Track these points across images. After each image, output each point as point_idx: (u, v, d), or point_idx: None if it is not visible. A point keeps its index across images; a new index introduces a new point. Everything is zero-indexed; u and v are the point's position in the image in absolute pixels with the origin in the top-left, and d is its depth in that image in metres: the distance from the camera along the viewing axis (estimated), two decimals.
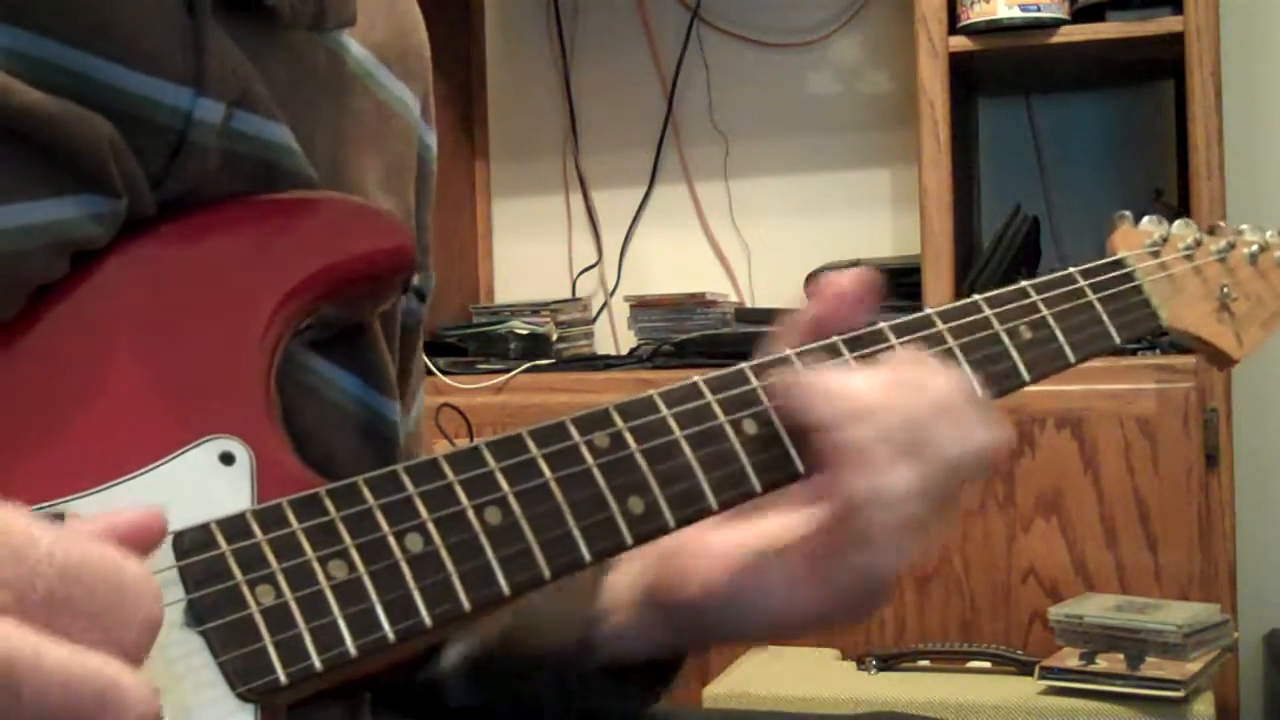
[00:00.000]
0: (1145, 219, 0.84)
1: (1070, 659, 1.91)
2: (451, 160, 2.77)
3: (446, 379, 2.38)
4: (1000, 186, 2.57)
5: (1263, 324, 0.86)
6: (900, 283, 2.39)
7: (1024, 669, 1.96)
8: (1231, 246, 0.86)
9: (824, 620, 0.66)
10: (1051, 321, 0.75)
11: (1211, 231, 0.87)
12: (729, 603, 0.67)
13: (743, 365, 0.66)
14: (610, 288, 2.80)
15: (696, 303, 2.55)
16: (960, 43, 2.23)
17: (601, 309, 2.80)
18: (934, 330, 0.71)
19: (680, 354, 2.39)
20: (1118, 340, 0.77)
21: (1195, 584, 2.05)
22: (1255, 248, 0.87)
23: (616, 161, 2.80)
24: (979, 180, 2.58)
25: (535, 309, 2.62)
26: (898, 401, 0.63)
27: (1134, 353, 2.11)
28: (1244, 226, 0.89)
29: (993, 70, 2.41)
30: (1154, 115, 2.53)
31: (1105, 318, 0.77)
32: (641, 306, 2.60)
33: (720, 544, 0.67)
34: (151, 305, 0.59)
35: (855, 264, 2.49)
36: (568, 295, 2.79)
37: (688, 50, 2.74)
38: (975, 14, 2.20)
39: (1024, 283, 0.75)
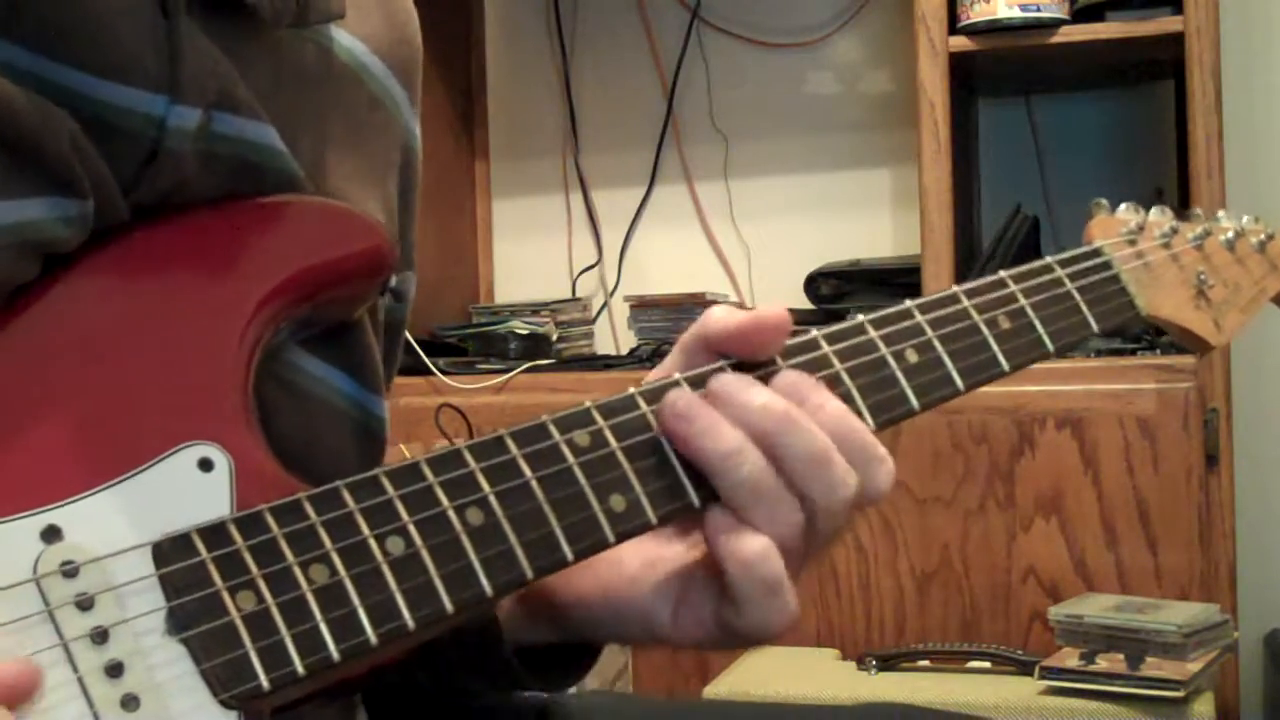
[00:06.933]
0: (1122, 206, 0.83)
1: (1070, 659, 1.90)
2: (451, 160, 2.78)
3: (446, 379, 2.37)
4: (1000, 186, 2.56)
5: (1241, 309, 0.85)
6: (900, 283, 2.39)
7: (1024, 669, 1.96)
8: (1207, 233, 0.86)
9: (709, 642, 0.65)
10: (1030, 311, 0.74)
11: (1187, 219, 0.86)
12: (608, 611, 0.68)
13: (722, 363, 0.66)
14: (610, 288, 2.80)
15: (696, 303, 2.54)
16: (960, 43, 2.23)
17: (601, 309, 2.80)
18: (913, 322, 0.71)
19: None
20: (1096, 329, 0.77)
21: (1195, 584, 2.04)
22: (1231, 234, 0.87)
23: (616, 161, 2.80)
24: (979, 180, 2.58)
25: (535, 309, 2.62)
26: (750, 457, 0.61)
27: (1134, 353, 2.11)
28: (1220, 213, 0.88)
29: (993, 70, 2.41)
30: (1154, 115, 2.52)
31: (1083, 307, 0.77)
32: (641, 306, 2.60)
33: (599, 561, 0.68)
34: (128, 311, 0.59)
35: (855, 264, 2.49)
36: (568, 295, 2.79)
37: (688, 50, 2.73)
38: (975, 14, 2.20)
39: (1002, 273, 0.75)
